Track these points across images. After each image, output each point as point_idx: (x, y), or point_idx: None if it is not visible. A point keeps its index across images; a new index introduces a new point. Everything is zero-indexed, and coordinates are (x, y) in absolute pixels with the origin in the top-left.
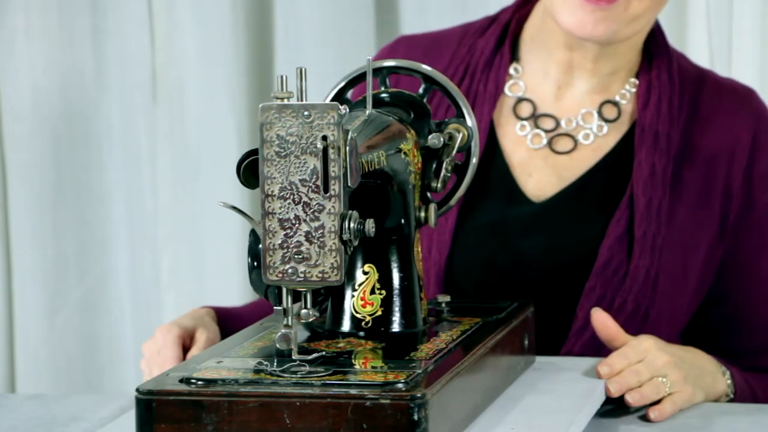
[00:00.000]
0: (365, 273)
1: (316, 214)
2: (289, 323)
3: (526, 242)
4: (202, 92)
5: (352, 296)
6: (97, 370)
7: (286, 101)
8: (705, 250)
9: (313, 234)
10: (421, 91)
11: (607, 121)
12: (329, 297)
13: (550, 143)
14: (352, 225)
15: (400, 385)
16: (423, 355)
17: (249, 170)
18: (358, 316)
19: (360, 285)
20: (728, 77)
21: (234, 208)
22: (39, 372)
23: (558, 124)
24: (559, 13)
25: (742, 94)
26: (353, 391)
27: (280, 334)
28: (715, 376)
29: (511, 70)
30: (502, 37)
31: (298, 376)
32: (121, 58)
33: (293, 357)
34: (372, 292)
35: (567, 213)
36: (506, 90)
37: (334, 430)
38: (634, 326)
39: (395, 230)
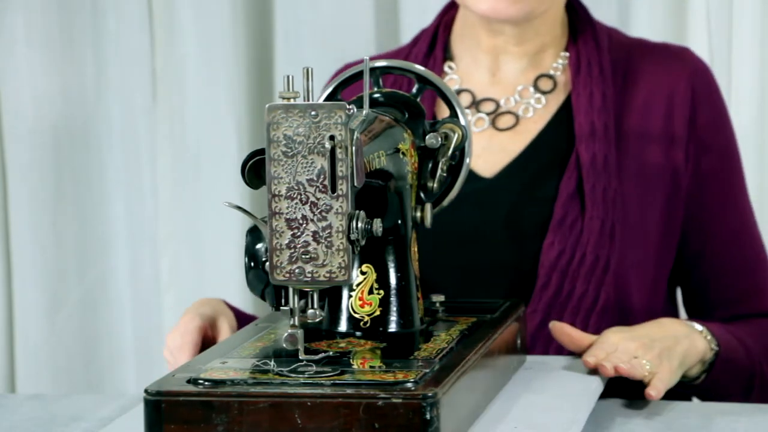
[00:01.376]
0: (363, 273)
1: (324, 214)
2: (296, 323)
3: (484, 216)
4: (202, 92)
5: (350, 296)
6: (97, 370)
7: (292, 101)
8: (662, 200)
9: (321, 234)
10: (414, 91)
11: (543, 92)
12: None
13: (493, 123)
14: (359, 225)
15: (409, 385)
16: (427, 355)
17: (253, 171)
18: (357, 316)
19: (358, 285)
20: (661, 41)
21: (239, 207)
22: (39, 372)
23: (498, 105)
24: (472, 3)
25: (675, 50)
26: (365, 391)
27: (287, 334)
28: (691, 336)
29: (446, 68)
30: (432, 43)
31: (306, 376)
32: (121, 59)
33: (300, 357)
34: (370, 292)
35: (519, 182)
36: None
37: (345, 429)
38: (596, 278)
39: (392, 230)
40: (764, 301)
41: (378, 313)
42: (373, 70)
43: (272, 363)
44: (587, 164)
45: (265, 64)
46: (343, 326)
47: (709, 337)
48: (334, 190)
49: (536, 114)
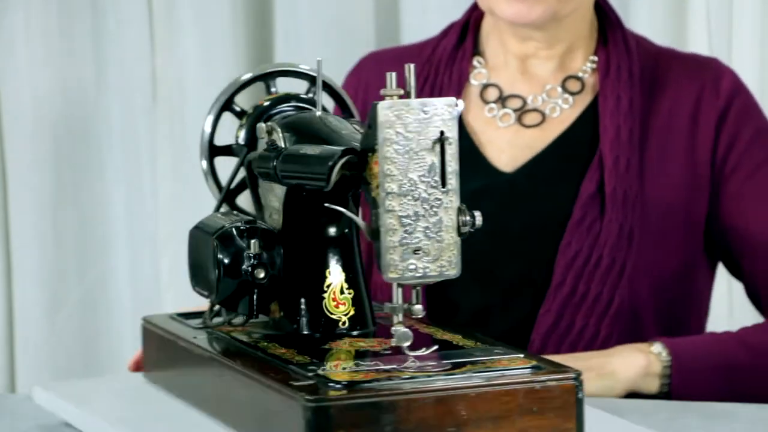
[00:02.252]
0: (331, 273)
1: (435, 209)
2: (401, 320)
3: (502, 211)
4: (202, 92)
5: (323, 298)
6: (97, 370)
7: (396, 98)
8: (683, 207)
9: (432, 229)
10: (305, 90)
11: (571, 93)
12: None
13: (519, 119)
14: (467, 218)
15: (552, 368)
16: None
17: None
18: (334, 317)
19: (328, 286)
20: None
21: (340, 209)
22: (39, 372)
23: (525, 102)
24: (495, 8)
25: (703, 60)
26: (524, 377)
27: (401, 331)
28: (623, 351)
29: (474, 62)
30: (462, 35)
31: (446, 369)
32: (121, 59)
33: (409, 354)
34: (341, 292)
35: (539, 179)
36: (471, 79)
37: (505, 417)
38: (611, 281)
39: (348, 229)
40: None
41: (353, 312)
42: (267, 75)
43: (381, 365)
44: (610, 166)
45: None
46: (322, 328)
47: (656, 351)
48: (444, 185)
49: (563, 114)
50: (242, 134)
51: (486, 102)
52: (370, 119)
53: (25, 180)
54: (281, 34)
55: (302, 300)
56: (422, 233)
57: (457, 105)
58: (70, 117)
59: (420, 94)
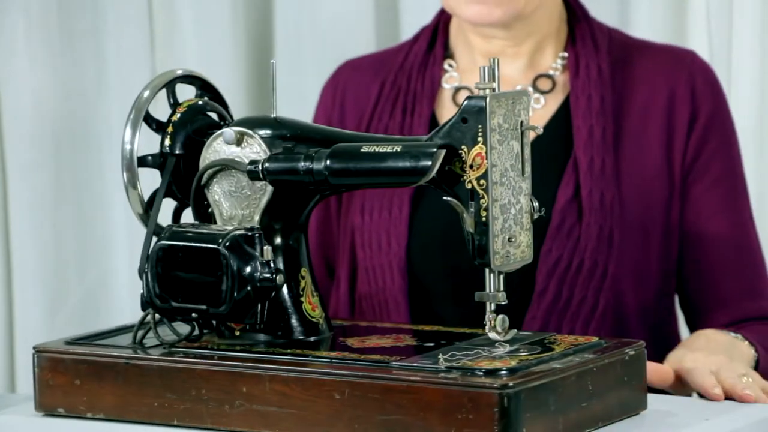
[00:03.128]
0: (302, 277)
1: (518, 196)
2: (493, 309)
3: None
4: None
5: (301, 302)
6: None
7: (488, 92)
8: (662, 206)
9: (517, 215)
10: (195, 97)
11: (542, 92)
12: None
13: None
14: (535, 204)
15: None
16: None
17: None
18: (313, 319)
19: (302, 290)
20: (667, 43)
21: (452, 200)
22: None
23: None
24: (457, 10)
25: (677, 52)
26: (615, 350)
27: (501, 317)
28: (736, 345)
29: (446, 66)
30: (433, 39)
31: (520, 354)
32: (121, 58)
33: (497, 341)
34: (312, 294)
35: None
36: (443, 83)
37: (616, 388)
38: (594, 283)
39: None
40: (762, 304)
41: (324, 314)
42: (167, 84)
43: (457, 354)
44: (585, 168)
45: (265, 64)
46: (305, 332)
47: (746, 343)
48: (523, 172)
49: (535, 114)
50: (168, 143)
51: (458, 105)
52: (464, 113)
53: (25, 180)
54: (281, 34)
55: (286, 304)
56: (512, 220)
57: (530, 95)
58: (70, 117)
59: (395, 103)
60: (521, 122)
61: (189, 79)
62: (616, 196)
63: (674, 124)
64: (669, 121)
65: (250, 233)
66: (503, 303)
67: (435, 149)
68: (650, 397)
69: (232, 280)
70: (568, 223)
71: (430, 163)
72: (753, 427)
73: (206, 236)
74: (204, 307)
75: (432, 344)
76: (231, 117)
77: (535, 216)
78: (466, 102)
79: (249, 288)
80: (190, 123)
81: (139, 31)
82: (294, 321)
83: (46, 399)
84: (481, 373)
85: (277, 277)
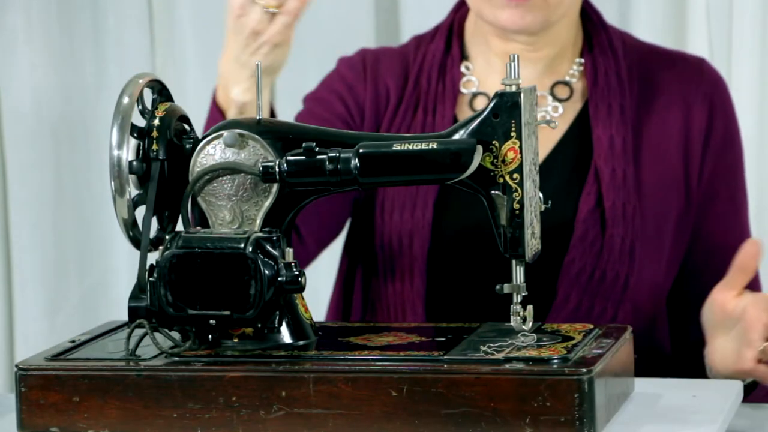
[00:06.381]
0: None
1: (536, 189)
2: (519, 300)
3: None
4: (202, 92)
5: (296, 304)
6: None
7: (515, 88)
8: (675, 217)
9: (534, 208)
10: (156, 101)
11: (560, 100)
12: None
13: None
14: (541, 196)
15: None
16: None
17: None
18: (307, 321)
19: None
20: (677, 50)
21: (498, 193)
22: None
23: None
24: (487, 15)
25: (692, 61)
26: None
27: (529, 307)
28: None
29: (463, 68)
30: (449, 39)
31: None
32: (121, 58)
33: (525, 333)
34: (302, 296)
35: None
36: (461, 88)
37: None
38: (615, 295)
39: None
40: None
41: (311, 315)
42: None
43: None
44: (607, 179)
45: None
46: (305, 336)
47: None
48: (536, 165)
49: None
50: (154, 148)
51: (475, 111)
52: (496, 109)
53: (25, 180)
54: None
55: (287, 307)
56: (533, 213)
57: (537, 92)
58: (70, 117)
59: (417, 102)
60: (535, 117)
61: (152, 83)
62: (636, 207)
63: (691, 138)
64: (686, 133)
65: (269, 235)
66: (525, 294)
67: (474, 144)
68: (636, 380)
69: (261, 283)
70: (591, 234)
71: (471, 158)
72: (739, 399)
73: (225, 241)
74: (227, 312)
75: (443, 339)
76: (190, 123)
77: (542, 208)
78: (497, 98)
79: (274, 290)
80: (169, 128)
81: (139, 31)
82: (293, 323)
83: (35, 419)
84: (556, 361)
85: (302, 279)
